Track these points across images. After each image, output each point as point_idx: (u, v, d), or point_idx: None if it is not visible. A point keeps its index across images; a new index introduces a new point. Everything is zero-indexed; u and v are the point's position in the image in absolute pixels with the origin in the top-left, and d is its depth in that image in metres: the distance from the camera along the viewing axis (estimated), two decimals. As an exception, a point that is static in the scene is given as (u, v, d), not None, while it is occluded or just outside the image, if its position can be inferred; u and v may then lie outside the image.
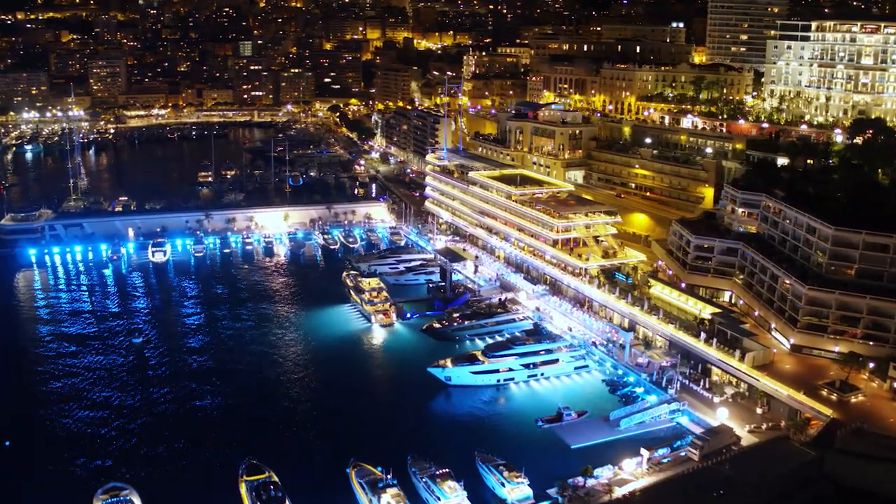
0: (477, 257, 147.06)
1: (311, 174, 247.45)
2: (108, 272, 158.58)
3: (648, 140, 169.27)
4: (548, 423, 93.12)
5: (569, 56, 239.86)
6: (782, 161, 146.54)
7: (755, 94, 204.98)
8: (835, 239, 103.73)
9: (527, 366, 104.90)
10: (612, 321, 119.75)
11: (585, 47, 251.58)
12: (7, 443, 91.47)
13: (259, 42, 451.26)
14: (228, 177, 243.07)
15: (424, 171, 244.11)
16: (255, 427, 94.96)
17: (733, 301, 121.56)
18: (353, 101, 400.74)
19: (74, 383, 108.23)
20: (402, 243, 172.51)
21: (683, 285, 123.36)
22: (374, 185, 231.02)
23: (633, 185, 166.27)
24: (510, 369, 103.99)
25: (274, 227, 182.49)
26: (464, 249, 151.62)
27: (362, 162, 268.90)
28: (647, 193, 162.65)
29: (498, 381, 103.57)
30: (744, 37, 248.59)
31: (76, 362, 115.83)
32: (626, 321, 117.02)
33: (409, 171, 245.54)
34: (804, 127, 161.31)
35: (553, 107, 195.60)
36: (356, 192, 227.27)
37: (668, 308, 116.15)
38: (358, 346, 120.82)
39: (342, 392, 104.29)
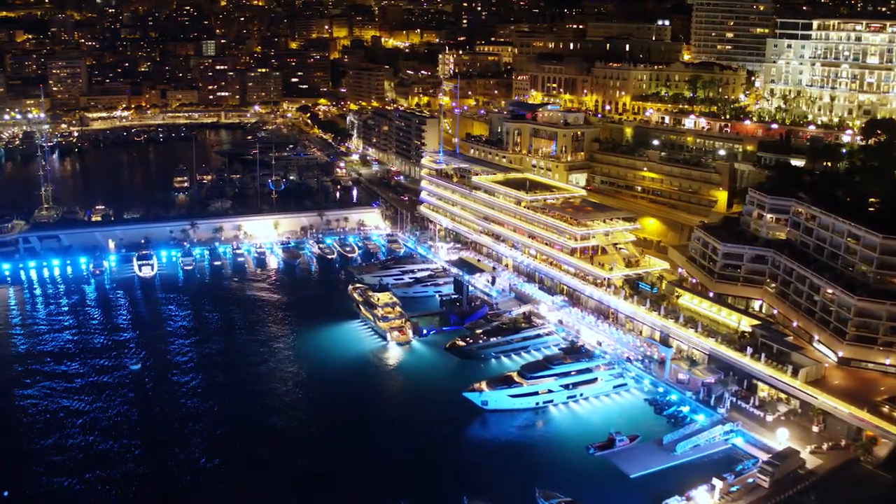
0: (494, 268, 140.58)
1: (291, 178, 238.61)
2: (90, 288, 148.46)
3: (656, 142, 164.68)
4: (599, 449, 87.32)
5: (556, 55, 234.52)
6: (796, 163, 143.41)
7: (748, 92, 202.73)
8: (882, 247, 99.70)
9: (566, 386, 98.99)
10: (642, 334, 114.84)
11: (572, 45, 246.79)
12: (5, 493, 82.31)
13: (222, 41, 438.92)
14: (205, 182, 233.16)
15: (410, 174, 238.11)
16: (291, 471, 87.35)
17: (764, 310, 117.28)
18: (322, 101, 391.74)
19: (68, 418, 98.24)
20: (402, 252, 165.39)
21: (711, 294, 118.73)
22: (354, 190, 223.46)
23: (640, 189, 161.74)
24: (549, 391, 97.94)
25: (264, 236, 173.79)
26: (478, 260, 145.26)
27: (342, 164, 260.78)
28: (655, 196, 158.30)
29: (537, 403, 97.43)
30: (729, 35, 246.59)
31: (66, 391, 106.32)
32: (657, 334, 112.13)
33: (401, 176, 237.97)
34: (812, 127, 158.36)
35: (549, 107, 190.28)
36: (336, 195, 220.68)
37: (698, 319, 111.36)
38: (377, 368, 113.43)
39: (371, 421, 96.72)
